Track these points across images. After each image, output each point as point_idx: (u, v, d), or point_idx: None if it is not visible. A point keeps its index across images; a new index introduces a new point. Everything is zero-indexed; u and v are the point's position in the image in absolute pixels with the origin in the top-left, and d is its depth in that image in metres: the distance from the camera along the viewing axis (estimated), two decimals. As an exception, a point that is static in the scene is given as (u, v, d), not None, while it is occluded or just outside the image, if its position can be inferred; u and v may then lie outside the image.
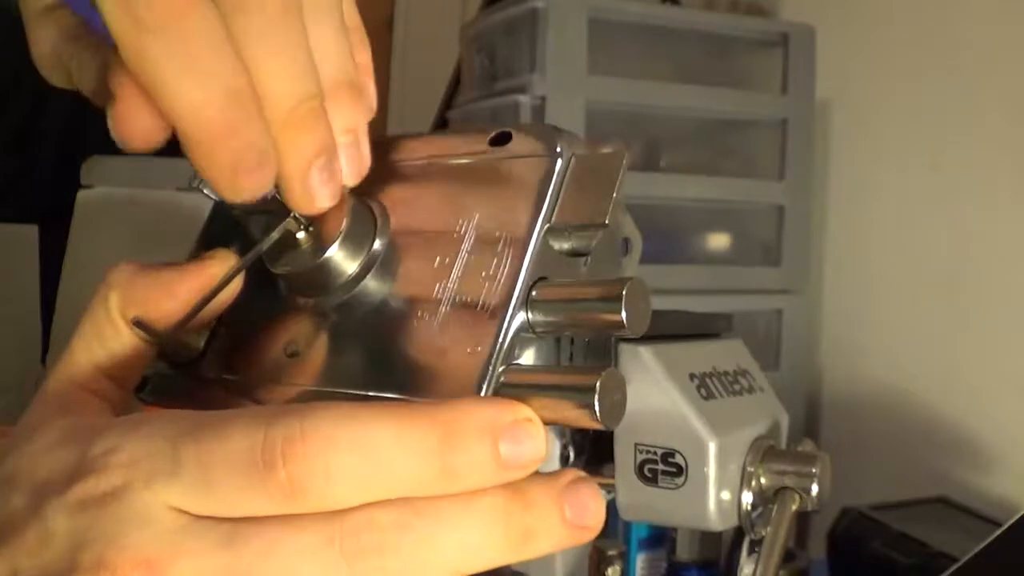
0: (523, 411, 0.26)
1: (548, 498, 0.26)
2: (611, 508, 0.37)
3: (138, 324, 0.32)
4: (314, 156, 0.29)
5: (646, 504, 0.35)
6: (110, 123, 0.28)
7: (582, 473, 0.27)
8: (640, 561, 0.71)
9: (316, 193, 0.29)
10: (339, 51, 0.29)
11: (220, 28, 0.26)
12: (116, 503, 0.25)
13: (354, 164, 0.30)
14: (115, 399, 0.32)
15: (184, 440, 0.26)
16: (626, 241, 0.35)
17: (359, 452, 0.25)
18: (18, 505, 0.27)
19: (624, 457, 0.35)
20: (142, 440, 0.26)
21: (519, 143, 0.32)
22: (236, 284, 0.33)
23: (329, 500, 0.25)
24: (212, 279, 0.32)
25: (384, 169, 0.35)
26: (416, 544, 0.25)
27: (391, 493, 0.25)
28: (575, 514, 0.26)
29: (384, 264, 0.32)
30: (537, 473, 0.27)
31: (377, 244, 0.32)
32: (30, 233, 0.75)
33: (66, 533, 0.25)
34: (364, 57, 0.32)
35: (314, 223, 0.32)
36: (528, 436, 0.26)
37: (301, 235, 0.32)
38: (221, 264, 0.33)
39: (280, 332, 0.33)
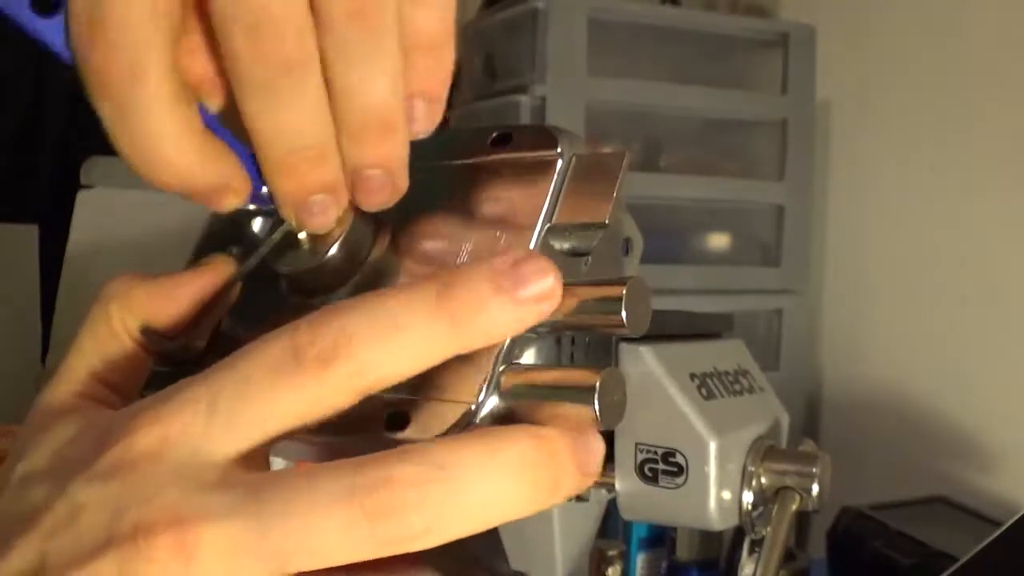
0: (523, 252, 0.27)
1: (568, 446, 0.26)
2: (611, 508, 0.38)
3: (145, 332, 0.32)
4: (305, 196, 0.29)
5: (646, 504, 0.35)
6: None
7: None
8: (640, 561, 0.72)
9: (305, 222, 0.30)
10: (374, 90, 0.29)
11: None
12: (150, 463, 0.25)
13: (379, 194, 0.30)
14: (116, 407, 0.32)
15: (216, 375, 0.26)
16: (627, 241, 0.35)
17: (372, 319, 0.25)
18: (40, 494, 0.26)
19: (624, 457, 0.35)
20: (170, 398, 0.26)
21: (519, 143, 0.32)
22: (234, 287, 0.33)
23: (359, 367, 0.25)
24: (212, 281, 0.33)
25: None
26: (441, 498, 0.24)
27: (414, 353, 0.26)
28: (585, 460, 0.26)
29: (385, 264, 0.32)
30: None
31: (378, 244, 0.32)
32: (30, 233, 0.75)
33: (98, 503, 0.25)
34: (431, 80, 0.31)
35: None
36: (530, 267, 0.26)
37: (302, 235, 0.32)
38: (220, 267, 0.33)
39: (281, 332, 0.33)
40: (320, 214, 0.30)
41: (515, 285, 0.26)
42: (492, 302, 0.26)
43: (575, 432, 0.27)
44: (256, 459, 0.26)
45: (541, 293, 0.26)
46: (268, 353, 0.26)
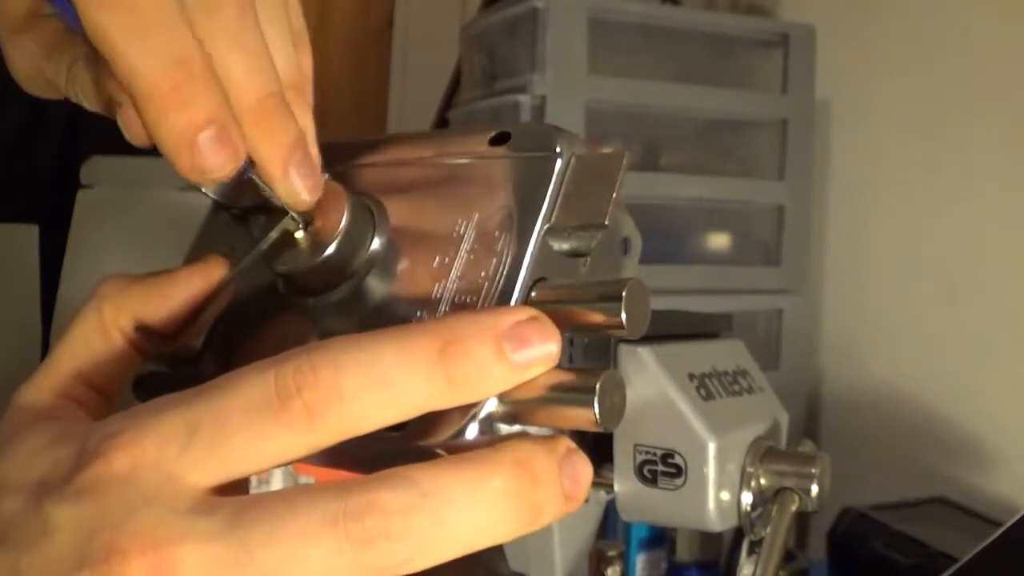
0: (526, 311, 0.26)
1: (552, 472, 0.26)
2: (611, 508, 0.37)
3: (140, 330, 0.32)
4: (290, 150, 0.29)
5: (646, 505, 0.35)
6: (121, 126, 0.29)
7: (572, 443, 0.27)
8: (640, 561, 0.72)
9: (298, 187, 0.30)
10: (287, 54, 0.30)
11: (173, 7, 0.26)
12: (124, 486, 0.25)
13: (306, 169, 0.30)
14: (97, 411, 0.32)
15: (195, 404, 0.26)
16: (626, 241, 0.35)
17: (365, 372, 0.25)
18: (13, 508, 0.26)
19: (623, 458, 0.35)
20: (147, 419, 0.26)
21: (519, 143, 0.32)
22: (229, 286, 0.33)
23: (347, 422, 0.25)
24: (205, 280, 0.33)
25: (384, 168, 0.35)
26: (425, 527, 0.24)
27: (405, 409, 0.25)
28: (571, 486, 0.26)
29: (383, 263, 0.32)
30: (536, 439, 0.26)
31: (376, 243, 0.32)
32: (30, 233, 0.75)
33: (72, 524, 0.25)
34: (307, 62, 0.32)
35: (313, 222, 0.32)
36: (534, 332, 0.26)
37: (300, 234, 0.32)
38: (213, 266, 0.33)
39: (278, 332, 0.33)
40: (308, 174, 0.30)
41: (517, 349, 0.26)
42: (493, 368, 0.25)
43: (563, 455, 0.26)
44: (235, 485, 0.26)
45: (543, 358, 0.26)
46: (251, 390, 0.25)
